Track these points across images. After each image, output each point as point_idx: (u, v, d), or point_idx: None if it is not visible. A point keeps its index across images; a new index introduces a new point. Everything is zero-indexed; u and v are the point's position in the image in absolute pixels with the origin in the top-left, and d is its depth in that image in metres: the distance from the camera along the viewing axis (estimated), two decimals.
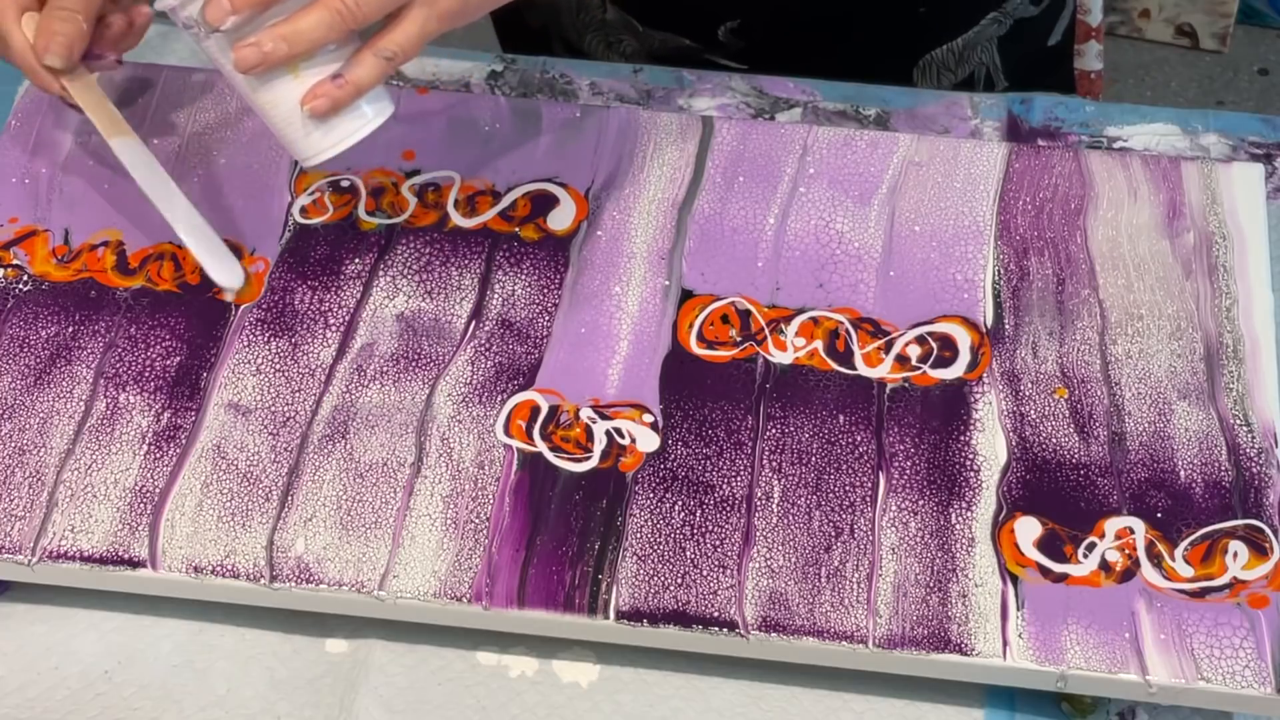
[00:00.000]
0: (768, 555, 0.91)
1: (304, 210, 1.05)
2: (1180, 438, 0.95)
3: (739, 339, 0.99)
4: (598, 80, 1.14)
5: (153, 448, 0.94)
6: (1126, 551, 0.91)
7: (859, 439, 0.95)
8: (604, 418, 0.96)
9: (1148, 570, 0.90)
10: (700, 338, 0.99)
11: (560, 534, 0.91)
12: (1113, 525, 0.92)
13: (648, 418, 0.96)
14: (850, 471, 0.94)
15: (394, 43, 0.88)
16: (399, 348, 0.99)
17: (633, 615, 0.89)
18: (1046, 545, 0.91)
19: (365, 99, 0.90)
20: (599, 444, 0.95)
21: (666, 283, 1.01)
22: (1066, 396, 0.97)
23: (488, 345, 0.99)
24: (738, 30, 1.20)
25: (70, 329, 0.99)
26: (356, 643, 0.93)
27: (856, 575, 0.90)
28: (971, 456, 0.94)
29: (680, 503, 0.92)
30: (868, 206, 1.05)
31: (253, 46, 0.86)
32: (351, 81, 0.88)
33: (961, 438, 0.95)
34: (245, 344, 0.99)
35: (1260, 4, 2.50)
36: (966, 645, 0.88)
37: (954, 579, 0.90)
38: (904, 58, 1.22)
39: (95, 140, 1.07)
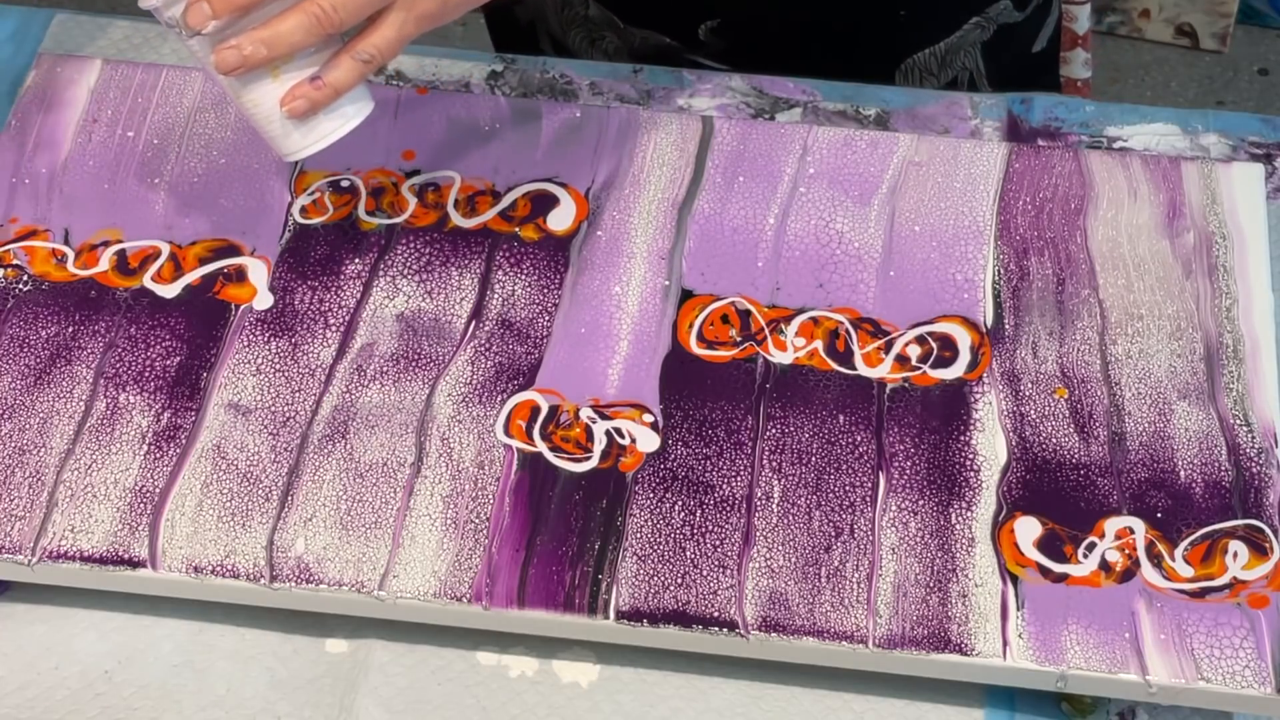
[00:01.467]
0: (768, 555, 0.91)
1: (304, 210, 1.05)
2: (1180, 438, 0.95)
3: (739, 339, 0.99)
4: (598, 80, 1.14)
5: (153, 448, 0.94)
6: (1126, 551, 0.91)
7: (859, 439, 0.95)
8: (604, 418, 0.96)
9: (1148, 570, 0.90)
10: (700, 338, 0.99)
11: (560, 534, 0.91)
12: (1113, 525, 0.92)
13: (648, 418, 0.96)
14: (850, 471, 0.94)
15: (372, 45, 0.90)
16: (399, 348, 0.99)
17: (633, 615, 0.89)
18: (1046, 545, 0.91)
19: (345, 98, 0.91)
20: (599, 444, 0.95)
21: (666, 283, 1.01)
22: (1066, 396, 0.97)
23: (488, 345, 0.99)
24: (718, 30, 1.20)
25: (70, 329, 0.99)
26: (356, 643, 0.93)
27: (856, 575, 0.90)
28: (971, 456, 0.94)
29: (680, 503, 0.92)
30: (868, 206, 1.05)
31: (233, 49, 0.88)
32: (330, 84, 0.90)
33: (961, 438, 0.95)
34: (245, 344, 0.99)
35: (1260, 4, 2.50)
36: (966, 645, 0.88)
37: (954, 579, 0.90)
38: (885, 61, 1.22)
39: (96, 140, 1.07)
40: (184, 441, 0.95)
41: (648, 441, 0.95)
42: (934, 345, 0.99)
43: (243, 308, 1.00)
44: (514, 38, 1.33)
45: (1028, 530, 0.92)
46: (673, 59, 1.22)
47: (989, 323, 1.00)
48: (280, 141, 0.92)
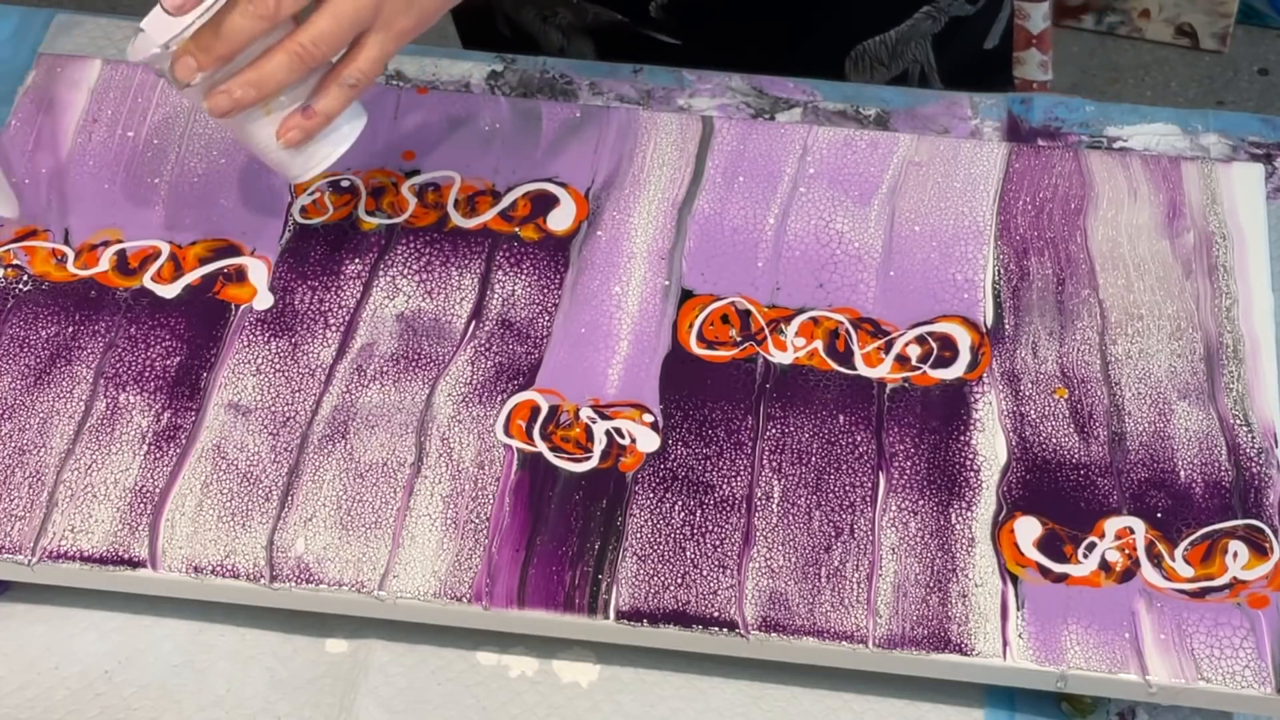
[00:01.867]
0: (768, 555, 0.91)
1: (304, 210, 1.05)
2: (1180, 438, 0.95)
3: (739, 339, 0.99)
4: (598, 80, 1.14)
5: (153, 448, 0.94)
6: (1126, 551, 0.91)
7: (859, 439, 0.95)
8: (604, 418, 0.96)
9: (1148, 570, 0.90)
10: (700, 338, 0.99)
11: (560, 534, 0.91)
12: (1113, 525, 0.92)
13: (648, 418, 0.96)
14: (850, 471, 0.94)
15: (357, 70, 0.92)
16: (399, 348, 0.99)
17: (633, 615, 0.89)
18: (1046, 545, 0.91)
19: (338, 119, 0.94)
20: (599, 444, 0.95)
21: (666, 283, 1.01)
22: (1066, 396, 0.97)
23: (488, 345, 0.99)
24: (668, 7, 1.20)
25: (70, 329, 0.99)
26: (356, 643, 0.93)
27: (856, 575, 0.90)
28: (971, 456, 0.94)
29: (680, 503, 0.92)
30: (868, 206, 1.05)
31: (223, 94, 0.90)
32: (320, 112, 0.92)
33: (961, 438, 0.95)
34: (245, 344, 0.99)
35: (1260, 4, 2.50)
36: (966, 645, 0.88)
37: (954, 579, 0.90)
38: (835, 46, 1.22)
39: (96, 140, 1.07)
40: (184, 441, 0.95)
41: (648, 441, 0.95)
42: (934, 345, 0.99)
43: (243, 308, 1.00)
44: (473, 20, 1.33)
45: (1028, 530, 0.92)
46: (623, 35, 1.22)
47: (989, 323, 1.00)
48: (283, 168, 0.95)
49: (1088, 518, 0.92)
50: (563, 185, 1.06)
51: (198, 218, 1.04)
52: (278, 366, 0.98)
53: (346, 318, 1.00)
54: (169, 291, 1.01)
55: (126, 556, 0.91)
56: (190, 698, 0.91)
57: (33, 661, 0.92)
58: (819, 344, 0.99)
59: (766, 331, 0.99)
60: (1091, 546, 0.91)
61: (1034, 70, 1.36)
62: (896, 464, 0.94)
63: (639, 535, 0.91)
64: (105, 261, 1.02)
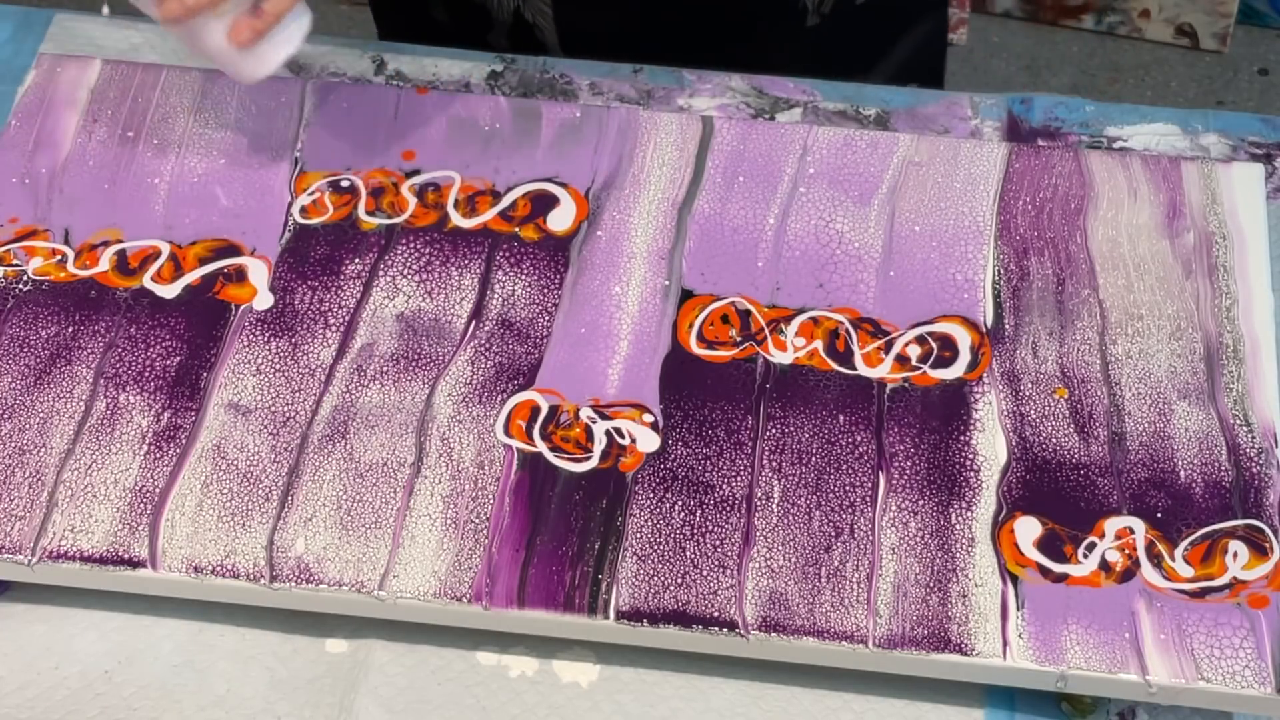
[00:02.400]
0: (768, 555, 0.91)
1: (304, 210, 1.05)
2: (1180, 438, 0.95)
3: (739, 339, 0.99)
4: (598, 80, 1.14)
5: (153, 448, 0.94)
6: (1126, 551, 0.91)
7: (859, 439, 0.95)
8: (604, 418, 0.96)
9: (1148, 570, 0.90)
10: (700, 338, 0.99)
11: (560, 534, 0.91)
12: (1113, 525, 0.92)
13: (648, 418, 0.96)
14: (850, 471, 0.94)
15: None
16: (399, 348, 0.99)
17: (633, 615, 0.89)
18: (1046, 545, 0.91)
19: (286, 18, 0.96)
20: (599, 444, 0.95)
21: (666, 283, 1.01)
22: (1066, 396, 0.97)
23: (488, 345, 0.99)
24: None
25: (70, 329, 0.99)
26: (356, 643, 0.93)
27: (856, 575, 0.90)
28: (971, 456, 0.94)
29: (680, 503, 0.92)
30: (868, 206, 1.05)
31: (176, 1, 0.93)
32: (269, 11, 0.95)
33: (961, 438, 0.95)
34: (245, 344, 0.99)
35: (1260, 4, 2.50)
36: (966, 645, 0.88)
37: (954, 579, 0.90)
38: None
39: (96, 140, 1.07)
40: (184, 441, 0.95)
41: (648, 441, 0.95)
42: (934, 345, 0.99)
43: (243, 308, 1.00)
44: (394, 12, 1.32)
45: (1028, 530, 0.92)
46: None
47: (989, 323, 1.00)
48: (236, 70, 0.98)
49: (1088, 518, 0.92)
50: (563, 185, 1.06)
51: (198, 218, 1.04)
52: (278, 366, 0.98)
53: (346, 318, 1.00)
54: (169, 291, 1.01)
55: (126, 556, 0.91)
56: (190, 698, 0.91)
57: (33, 661, 0.92)
58: (819, 344, 0.99)
59: (766, 331, 0.99)
60: (1091, 546, 0.91)
61: None
62: (896, 464, 0.94)
63: (639, 535, 0.91)
64: (105, 261, 1.02)
